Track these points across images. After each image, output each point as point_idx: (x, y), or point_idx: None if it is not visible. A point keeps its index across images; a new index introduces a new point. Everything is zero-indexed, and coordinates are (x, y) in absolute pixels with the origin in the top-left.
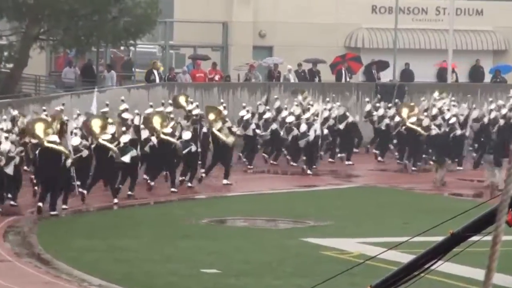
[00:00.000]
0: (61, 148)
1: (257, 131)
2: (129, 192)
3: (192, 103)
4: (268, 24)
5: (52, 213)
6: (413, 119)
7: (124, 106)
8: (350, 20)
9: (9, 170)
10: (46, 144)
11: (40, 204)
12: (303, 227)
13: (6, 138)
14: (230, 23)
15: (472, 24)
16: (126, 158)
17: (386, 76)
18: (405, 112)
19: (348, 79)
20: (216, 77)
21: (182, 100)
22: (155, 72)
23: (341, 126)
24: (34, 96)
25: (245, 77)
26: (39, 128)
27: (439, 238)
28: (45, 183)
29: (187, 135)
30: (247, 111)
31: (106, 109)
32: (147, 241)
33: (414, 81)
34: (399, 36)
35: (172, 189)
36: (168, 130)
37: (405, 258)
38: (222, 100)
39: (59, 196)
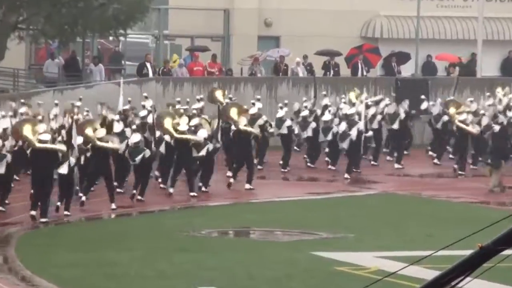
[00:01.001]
0: (55, 146)
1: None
2: (139, 197)
3: (230, 98)
4: (274, 11)
5: (43, 220)
6: (463, 116)
7: (149, 102)
8: (367, 6)
9: (1, 169)
10: (37, 145)
11: (33, 212)
12: (314, 239)
13: None
14: (232, 11)
15: (504, 11)
16: (138, 160)
17: (407, 70)
18: (452, 109)
19: (365, 73)
20: (216, 71)
21: (219, 94)
22: (148, 65)
23: (395, 126)
24: (12, 92)
25: (249, 71)
26: (27, 130)
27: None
28: (37, 187)
29: (203, 133)
30: (281, 108)
31: (127, 106)
32: (139, 254)
33: (437, 75)
34: (422, 25)
35: (192, 194)
36: (184, 127)
37: (429, 274)
38: (230, 95)
39: (49, 201)
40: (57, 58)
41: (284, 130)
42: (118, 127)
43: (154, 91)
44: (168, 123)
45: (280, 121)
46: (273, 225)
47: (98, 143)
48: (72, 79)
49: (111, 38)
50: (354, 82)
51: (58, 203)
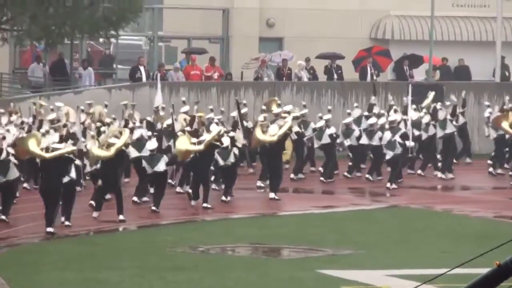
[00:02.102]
0: (65, 150)
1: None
2: (153, 208)
3: (279, 106)
4: (277, 11)
5: (49, 229)
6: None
7: (185, 108)
8: (377, 6)
9: (11, 175)
10: (47, 156)
11: (50, 229)
12: (319, 257)
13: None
14: (232, 10)
15: None
16: (161, 167)
17: (420, 74)
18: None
19: (374, 78)
20: (215, 75)
21: (274, 106)
22: (142, 69)
23: (441, 134)
24: None
25: (255, 75)
26: (32, 145)
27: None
28: (46, 197)
29: (226, 140)
30: (320, 118)
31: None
32: (130, 273)
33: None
34: (436, 26)
35: (205, 205)
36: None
37: None
38: (244, 101)
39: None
40: (42, 63)
41: (326, 140)
42: (138, 132)
43: (147, 96)
44: (186, 144)
45: (320, 131)
46: (276, 241)
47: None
48: (59, 83)
49: (101, 40)
50: (363, 87)
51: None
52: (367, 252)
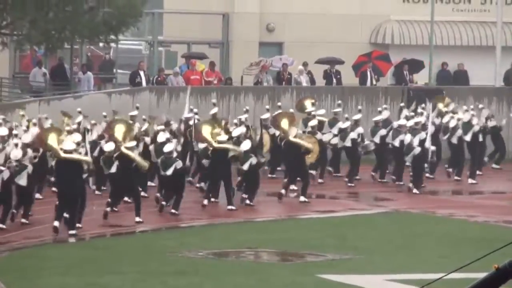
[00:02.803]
0: (80, 157)
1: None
2: (173, 210)
3: (313, 104)
4: (277, 16)
5: (71, 232)
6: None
7: (214, 110)
8: (377, 10)
9: (22, 181)
10: (62, 155)
11: (56, 223)
12: (319, 261)
13: (16, 144)
14: (231, 15)
15: None
16: (169, 171)
17: (420, 79)
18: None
19: (374, 82)
20: (215, 80)
21: (308, 103)
22: (141, 73)
23: (467, 138)
24: None
25: (255, 79)
26: (52, 139)
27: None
28: (63, 198)
29: (246, 145)
30: (347, 119)
31: (135, 112)
32: (131, 278)
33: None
34: (436, 30)
35: (229, 207)
36: (223, 137)
37: None
38: (247, 107)
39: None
40: (44, 69)
41: (348, 143)
42: (162, 136)
43: (147, 101)
44: (206, 131)
45: (345, 133)
46: (276, 246)
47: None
48: (59, 88)
49: (101, 44)
50: (362, 92)
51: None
52: (367, 257)
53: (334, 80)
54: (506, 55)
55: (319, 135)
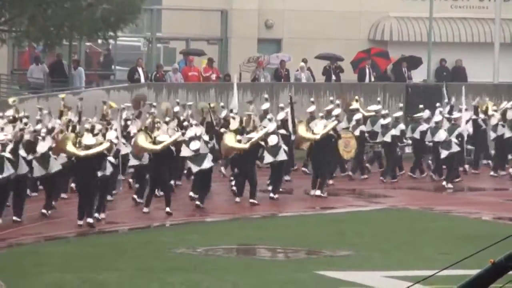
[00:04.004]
0: (99, 148)
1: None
2: (198, 203)
3: (357, 101)
4: (276, 12)
5: (89, 220)
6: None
7: (266, 105)
8: (375, 7)
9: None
10: (82, 154)
11: (80, 222)
12: (317, 258)
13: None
14: (230, 11)
15: None
16: (207, 164)
17: (418, 75)
18: None
19: (372, 79)
20: (213, 76)
21: (353, 103)
22: (140, 70)
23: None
24: None
25: (252, 76)
26: (69, 146)
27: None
28: (81, 192)
29: (273, 139)
30: (387, 115)
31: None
32: (129, 274)
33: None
34: (434, 27)
35: (252, 201)
36: (252, 134)
37: None
38: (266, 96)
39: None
40: (42, 64)
41: (388, 139)
42: (194, 130)
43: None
44: (230, 141)
45: (386, 129)
46: (274, 243)
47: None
48: (57, 84)
49: (99, 41)
50: (361, 88)
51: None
52: (365, 254)
53: (334, 77)
54: (504, 52)
55: (362, 127)
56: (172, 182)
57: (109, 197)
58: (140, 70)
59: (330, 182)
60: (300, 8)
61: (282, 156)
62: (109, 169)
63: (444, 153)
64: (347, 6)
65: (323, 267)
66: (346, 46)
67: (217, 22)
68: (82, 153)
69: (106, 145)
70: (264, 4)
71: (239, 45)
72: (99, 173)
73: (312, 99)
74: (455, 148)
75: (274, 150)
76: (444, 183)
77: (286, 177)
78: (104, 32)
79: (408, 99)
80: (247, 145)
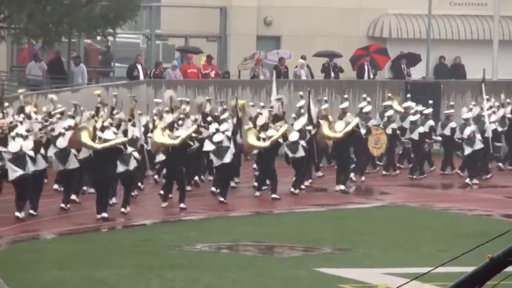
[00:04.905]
0: (116, 141)
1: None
2: (221, 199)
3: (390, 98)
4: (275, 9)
5: (103, 215)
6: None
7: (301, 102)
8: (375, 4)
9: (73, 163)
10: (99, 147)
11: (99, 216)
12: (316, 255)
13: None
14: (229, 8)
15: None
16: (227, 158)
17: (417, 72)
18: None
19: (371, 76)
20: (212, 73)
21: (395, 104)
22: (139, 67)
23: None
24: None
25: (251, 73)
26: (85, 137)
27: None
28: (98, 186)
29: (294, 136)
30: (416, 112)
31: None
32: (128, 272)
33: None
34: (433, 24)
35: (273, 196)
36: (272, 132)
37: None
38: (301, 93)
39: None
40: (40, 61)
41: (415, 136)
42: (221, 126)
43: (145, 95)
44: (252, 139)
45: (414, 125)
46: (273, 240)
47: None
48: (56, 81)
49: (98, 38)
50: (360, 85)
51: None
52: (364, 251)
53: (333, 74)
54: (503, 49)
55: (393, 124)
56: (196, 177)
57: (134, 192)
58: (139, 67)
59: (362, 178)
60: (299, 5)
61: (300, 153)
62: (133, 164)
63: (467, 150)
64: (346, 3)
65: (322, 264)
66: (345, 43)
67: (216, 19)
68: (98, 145)
69: (122, 139)
70: (263, 1)
71: (238, 42)
72: (122, 168)
73: (346, 95)
74: (479, 145)
75: (294, 147)
76: (467, 180)
77: (319, 173)
78: (103, 29)
79: (408, 96)
80: (267, 143)
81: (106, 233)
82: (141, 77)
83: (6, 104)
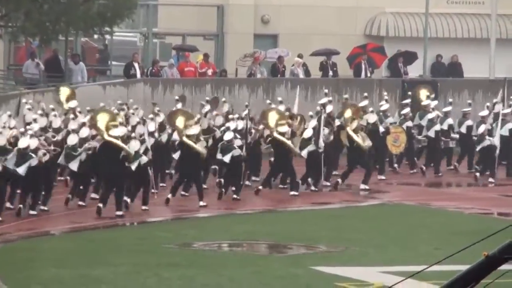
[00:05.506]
0: (123, 145)
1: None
2: (234, 196)
3: (428, 97)
4: (272, 7)
5: (118, 213)
6: None
7: (324, 99)
8: (372, 3)
9: (73, 165)
10: (106, 137)
11: (101, 205)
12: (314, 253)
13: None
14: (226, 7)
15: None
16: (226, 158)
17: (414, 71)
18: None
19: (369, 74)
20: (209, 72)
21: (422, 94)
22: (136, 65)
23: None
24: None
25: (248, 72)
26: (101, 119)
27: None
28: (108, 181)
29: (308, 132)
30: (433, 110)
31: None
32: (125, 270)
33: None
34: (430, 22)
35: (292, 193)
36: (284, 129)
37: None
38: (326, 90)
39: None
40: (37, 60)
41: (431, 134)
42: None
43: (142, 93)
44: (272, 121)
45: (431, 123)
46: (270, 238)
47: (107, 137)
48: (54, 80)
49: (96, 36)
50: (357, 83)
51: (128, 200)
52: (361, 249)
53: (331, 72)
54: (500, 48)
55: (409, 122)
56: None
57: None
58: (136, 65)
59: (383, 177)
60: (296, 4)
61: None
62: (143, 161)
63: (479, 147)
64: (343, 2)
65: (319, 262)
66: (343, 42)
67: (213, 17)
68: (107, 136)
69: (128, 150)
70: (260, 0)
71: (235, 41)
72: (133, 166)
73: (365, 94)
74: (487, 142)
75: (305, 144)
76: (477, 174)
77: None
78: (100, 27)
79: (405, 94)
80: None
81: (104, 231)
82: (138, 75)
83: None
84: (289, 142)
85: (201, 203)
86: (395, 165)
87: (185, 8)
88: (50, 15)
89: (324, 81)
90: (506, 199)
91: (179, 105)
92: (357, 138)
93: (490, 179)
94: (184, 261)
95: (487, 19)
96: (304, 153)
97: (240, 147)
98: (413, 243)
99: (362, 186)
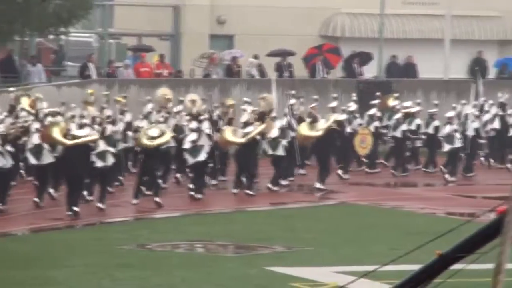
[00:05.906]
0: (87, 138)
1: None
2: (195, 195)
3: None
4: (228, 8)
5: (75, 208)
6: None
7: (334, 103)
8: (327, 3)
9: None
10: (68, 143)
11: (77, 209)
12: (267, 253)
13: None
14: (182, 7)
15: (474, 9)
16: (201, 157)
17: (370, 71)
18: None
19: (324, 75)
20: (165, 72)
21: (390, 100)
22: (91, 66)
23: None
24: None
25: (204, 72)
26: (56, 132)
27: None
28: (69, 182)
29: (274, 132)
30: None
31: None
32: (78, 271)
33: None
34: (386, 23)
35: (247, 192)
36: (249, 128)
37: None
38: (335, 95)
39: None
40: None
41: (398, 134)
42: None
43: (97, 94)
44: (229, 135)
45: (398, 123)
46: (224, 238)
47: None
48: (8, 80)
49: (51, 36)
50: (313, 84)
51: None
52: (315, 249)
53: (286, 73)
54: (454, 48)
55: (376, 123)
56: (178, 175)
57: (110, 189)
58: (91, 66)
59: (347, 176)
60: (252, 4)
61: (280, 151)
62: (110, 160)
63: (446, 147)
64: (299, 2)
65: (273, 262)
66: (299, 42)
67: (169, 18)
68: (69, 142)
69: (92, 137)
70: (216, 0)
71: (191, 41)
72: (100, 164)
73: (335, 95)
74: (458, 144)
75: (274, 144)
76: (446, 176)
77: (301, 171)
78: (56, 27)
79: (360, 95)
80: (243, 140)
81: (58, 232)
82: (94, 76)
83: None
84: (254, 132)
85: (156, 199)
86: (363, 167)
87: (141, 9)
88: (5, 15)
89: (280, 81)
90: (459, 199)
91: (149, 106)
92: (310, 132)
93: (452, 178)
94: (138, 262)
95: (441, 20)
96: (281, 150)
97: (206, 147)
98: (366, 243)
99: (318, 185)
